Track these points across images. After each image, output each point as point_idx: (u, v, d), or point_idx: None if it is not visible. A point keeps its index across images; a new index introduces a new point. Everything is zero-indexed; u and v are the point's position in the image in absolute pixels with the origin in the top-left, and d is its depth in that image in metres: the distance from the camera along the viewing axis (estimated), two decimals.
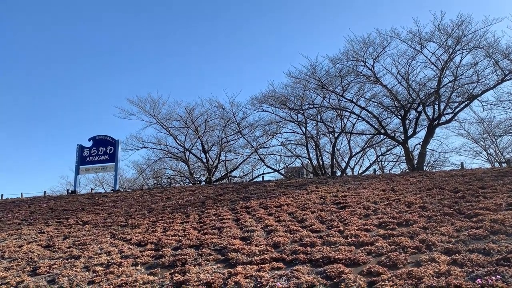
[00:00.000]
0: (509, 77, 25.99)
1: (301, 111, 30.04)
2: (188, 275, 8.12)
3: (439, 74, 26.27)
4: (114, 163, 25.76)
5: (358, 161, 35.97)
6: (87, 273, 9.05)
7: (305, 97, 29.56)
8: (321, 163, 31.74)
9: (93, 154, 26.14)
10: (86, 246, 11.31)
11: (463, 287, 6.01)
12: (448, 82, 26.69)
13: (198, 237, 10.82)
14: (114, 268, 9.05)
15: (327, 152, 33.59)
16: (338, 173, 32.47)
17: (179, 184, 33.37)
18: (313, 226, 10.53)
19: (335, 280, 7.02)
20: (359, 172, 34.05)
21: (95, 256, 10.22)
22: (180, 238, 10.98)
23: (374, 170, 26.29)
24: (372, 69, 27.30)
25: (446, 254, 7.49)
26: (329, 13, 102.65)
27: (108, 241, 11.70)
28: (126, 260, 9.61)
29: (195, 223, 12.68)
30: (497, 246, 7.51)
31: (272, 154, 34.81)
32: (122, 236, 12.01)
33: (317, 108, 30.09)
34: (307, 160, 33.42)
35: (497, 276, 6.19)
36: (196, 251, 9.66)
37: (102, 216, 15.54)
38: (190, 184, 31.80)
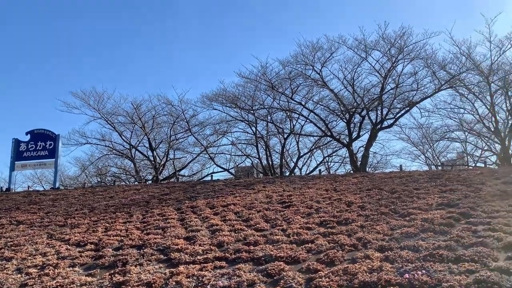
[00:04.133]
0: (445, 87, 27.94)
1: (252, 111, 30.34)
2: (129, 275, 7.95)
3: (382, 81, 27.66)
4: (54, 159, 24.49)
5: (306, 161, 36.95)
6: (19, 275, 8.58)
7: (256, 97, 29.92)
8: (270, 163, 32.23)
9: (30, 149, 24.68)
10: (19, 247, 10.68)
11: (392, 282, 6.41)
12: (390, 89, 28.21)
13: (140, 237, 10.60)
14: (49, 270, 8.65)
15: (277, 152, 34.17)
16: (288, 173, 33.18)
17: (124, 183, 32.40)
18: (257, 225, 10.69)
19: (275, 278, 7.20)
20: (307, 172, 34.96)
21: (29, 257, 9.70)
22: (122, 238, 10.70)
23: (320, 170, 27.20)
24: (320, 73, 28.20)
25: (379, 251, 7.93)
26: (279, 17, 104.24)
27: (44, 241, 11.14)
28: (63, 261, 9.21)
29: (138, 223, 12.40)
30: (425, 243, 8.08)
31: (222, 153, 34.89)
32: (60, 237, 11.48)
33: (268, 109, 30.56)
34: (257, 160, 33.80)
35: (423, 271, 6.66)
36: (138, 251, 9.47)
37: (39, 216, 14.73)
38: (136, 182, 30.98)
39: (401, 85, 27.93)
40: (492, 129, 28.67)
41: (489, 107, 28.31)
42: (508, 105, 28.26)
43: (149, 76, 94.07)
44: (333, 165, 38.36)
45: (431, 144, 37.52)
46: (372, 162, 35.13)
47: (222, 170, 33.75)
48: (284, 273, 7.29)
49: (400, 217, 10.26)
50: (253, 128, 31.53)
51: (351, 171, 29.22)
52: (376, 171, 32.00)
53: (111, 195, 18.02)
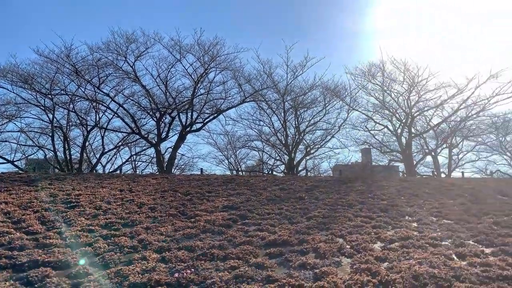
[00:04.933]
0: (249, 100, 31.00)
1: (50, 96, 27.01)
2: None
3: (194, 85, 28.72)
4: None
5: (111, 159, 35.05)
6: None
7: (57, 81, 26.82)
8: (68, 157, 29.26)
9: None
10: None
11: (162, 282, 6.57)
12: (201, 94, 29.54)
13: None
14: None
15: (78, 145, 31.33)
16: (89, 170, 30.77)
17: None
18: (30, 228, 9.43)
19: (36, 286, 6.45)
20: (111, 170, 33.18)
21: None
22: None
23: (120, 169, 26.19)
24: (133, 67, 27.40)
25: (158, 252, 8.03)
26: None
27: None
28: None
29: None
30: (202, 243, 8.60)
31: (6, 141, 29.74)
32: None
33: (70, 96, 27.77)
34: (52, 152, 30.17)
35: (192, 269, 7.07)
36: None
37: None
38: None
39: (211, 92, 29.64)
40: (283, 142, 33.23)
41: (282, 123, 32.78)
42: (296, 122, 33.34)
43: None
44: (141, 164, 37.64)
45: (234, 151, 41.01)
46: (179, 163, 35.96)
47: (5, 161, 28.76)
48: (49, 279, 6.60)
49: (186, 219, 10.68)
50: (50, 116, 28.03)
51: (158, 172, 29.18)
52: (183, 173, 32.90)
53: None
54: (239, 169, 42.63)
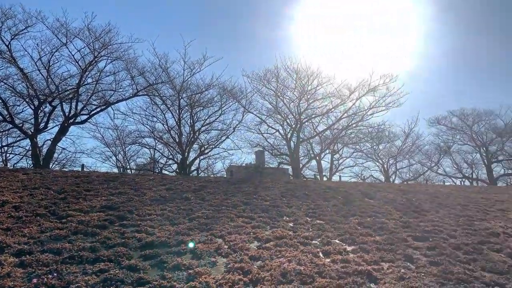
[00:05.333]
0: (142, 93, 29.73)
1: None
2: None
3: (81, 73, 26.54)
4: None
5: None
6: None
7: None
8: None
9: None
10: None
11: None
12: (88, 84, 27.46)
13: None
14: None
15: None
16: None
17: None
18: None
19: None
20: None
21: None
22: None
23: None
24: (9, 46, 24.28)
25: (17, 256, 7.25)
26: None
27: None
28: None
29: None
30: (71, 245, 7.97)
31: None
32: None
33: None
34: None
35: (55, 274, 6.52)
36: None
37: None
38: None
39: (100, 82, 27.68)
40: (177, 140, 32.62)
41: (177, 120, 32.16)
42: (191, 121, 33.00)
43: None
44: (13, 157, 33.58)
45: (124, 147, 39.02)
46: (58, 158, 32.99)
47: None
48: None
49: (56, 219, 9.81)
50: None
51: (33, 166, 26.29)
52: (64, 169, 30.24)
53: None
54: (128, 167, 40.71)
